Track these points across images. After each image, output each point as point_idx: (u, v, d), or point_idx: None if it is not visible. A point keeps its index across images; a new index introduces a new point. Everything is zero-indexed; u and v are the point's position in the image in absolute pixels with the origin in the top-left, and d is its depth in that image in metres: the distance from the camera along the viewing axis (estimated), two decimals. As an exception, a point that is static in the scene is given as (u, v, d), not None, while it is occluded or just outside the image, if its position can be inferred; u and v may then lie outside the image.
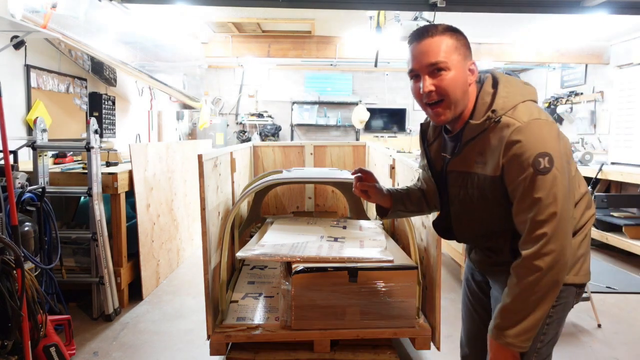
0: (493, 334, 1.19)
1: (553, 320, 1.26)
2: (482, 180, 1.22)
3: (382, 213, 1.59)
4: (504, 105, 1.18)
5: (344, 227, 2.99)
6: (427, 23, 4.26)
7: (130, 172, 3.33)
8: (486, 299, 1.47)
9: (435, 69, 1.18)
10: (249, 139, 8.00)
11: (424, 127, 1.47)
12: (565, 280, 1.19)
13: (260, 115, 8.19)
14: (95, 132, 2.97)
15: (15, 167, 2.62)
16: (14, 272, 2.10)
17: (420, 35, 1.20)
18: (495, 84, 1.23)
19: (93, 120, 2.97)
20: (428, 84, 1.18)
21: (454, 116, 1.22)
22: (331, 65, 6.58)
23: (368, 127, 8.12)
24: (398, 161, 2.89)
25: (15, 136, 3.31)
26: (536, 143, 1.11)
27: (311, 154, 3.94)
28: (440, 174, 1.38)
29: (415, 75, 1.22)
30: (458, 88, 1.19)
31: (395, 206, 1.53)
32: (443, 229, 1.47)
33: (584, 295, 3.21)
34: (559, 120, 6.89)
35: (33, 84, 3.69)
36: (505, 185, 1.17)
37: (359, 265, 2.39)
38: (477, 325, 1.52)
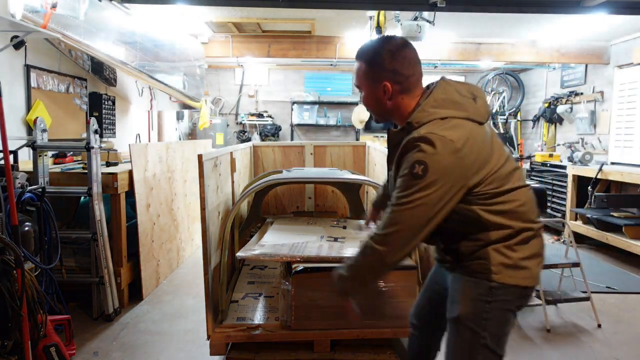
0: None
1: (491, 317, 1.34)
2: (393, 181, 1.36)
3: None
4: (420, 119, 1.32)
5: (344, 227, 2.99)
6: (427, 23, 4.29)
7: (130, 172, 3.33)
8: (444, 284, 1.57)
9: (357, 85, 1.49)
10: (249, 139, 8.00)
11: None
12: (503, 279, 1.32)
13: (260, 115, 8.19)
14: (95, 132, 2.97)
15: (15, 167, 2.62)
16: (14, 272, 2.10)
17: (356, 55, 1.48)
18: (429, 95, 1.37)
19: (93, 120, 2.96)
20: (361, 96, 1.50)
21: (383, 122, 1.51)
22: (331, 65, 6.58)
23: (368, 127, 8.12)
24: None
25: (15, 136, 3.31)
26: (419, 152, 1.24)
27: (311, 154, 3.94)
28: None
29: None
30: (370, 105, 1.47)
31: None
32: None
33: (584, 295, 3.21)
34: (559, 120, 6.89)
35: (33, 84, 3.69)
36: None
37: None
38: (426, 301, 1.74)
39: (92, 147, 2.93)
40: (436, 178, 1.23)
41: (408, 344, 1.87)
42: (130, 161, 3.33)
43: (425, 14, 4.32)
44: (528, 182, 4.01)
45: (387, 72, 1.39)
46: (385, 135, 1.80)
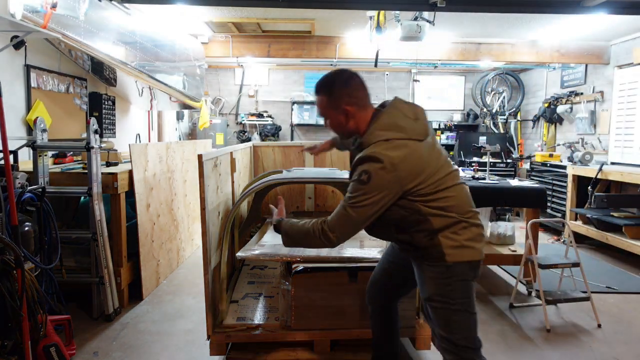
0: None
1: (453, 289, 1.67)
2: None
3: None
4: (369, 141, 1.66)
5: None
6: (427, 23, 4.29)
7: (130, 172, 3.33)
8: (402, 262, 1.93)
9: (320, 114, 1.82)
10: (249, 139, 8.00)
11: None
12: (454, 258, 1.65)
13: (260, 115, 8.19)
14: (95, 132, 2.97)
15: (15, 167, 2.62)
16: (14, 272, 2.10)
17: (314, 90, 1.81)
18: (377, 119, 1.71)
19: (93, 120, 2.96)
20: (325, 124, 1.84)
21: (348, 138, 1.91)
22: (331, 65, 6.57)
23: (368, 127, 8.12)
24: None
25: (15, 136, 3.31)
26: (366, 164, 1.59)
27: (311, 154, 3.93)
28: None
29: None
30: (336, 128, 1.80)
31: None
32: None
33: (584, 295, 3.22)
34: (559, 120, 6.90)
35: (33, 84, 3.69)
36: None
37: (359, 265, 2.39)
38: (384, 272, 2.08)
39: (92, 147, 2.93)
40: (377, 186, 1.57)
41: (371, 325, 2.21)
42: (130, 161, 3.33)
43: (425, 14, 4.32)
44: (528, 182, 4.03)
45: (345, 97, 1.73)
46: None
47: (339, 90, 1.74)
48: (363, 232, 2.88)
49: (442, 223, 1.65)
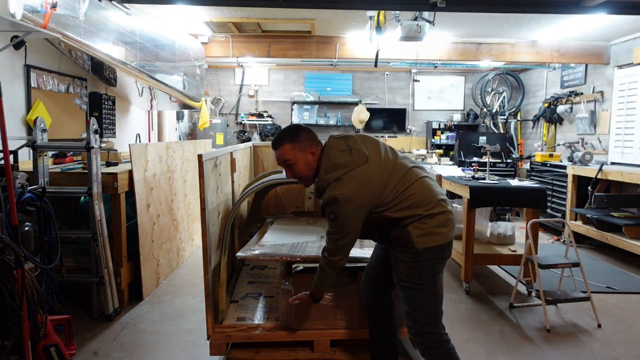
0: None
1: (421, 272, 1.87)
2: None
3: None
4: (322, 186, 1.89)
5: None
6: (427, 23, 4.29)
7: (130, 172, 3.33)
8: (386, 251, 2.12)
9: (287, 164, 1.95)
10: (249, 139, 8.00)
11: None
12: (423, 245, 1.85)
13: (260, 115, 8.19)
14: (95, 132, 2.97)
15: (15, 167, 2.62)
16: (14, 272, 2.10)
17: (274, 146, 1.96)
18: (320, 163, 1.94)
19: (93, 120, 2.96)
20: (288, 174, 1.99)
21: (310, 183, 2.01)
22: (331, 65, 6.57)
23: (368, 127, 8.12)
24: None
25: (15, 136, 3.31)
26: (329, 207, 1.84)
27: (311, 154, 3.93)
28: None
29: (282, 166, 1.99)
30: (305, 171, 1.95)
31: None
32: None
33: (584, 295, 3.22)
34: (559, 120, 6.90)
35: (33, 84, 3.69)
36: None
37: (358, 265, 2.39)
38: (373, 265, 2.23)
39: (92, 147, 2.93)
40: (346, 218, 1.83)
41: (368, 323, 2.31)
42: (130, 161, 3.33)
43: (425, 14, 4.31)
44: (528, 182, 4.02)
45: (307, 140, 1.94)
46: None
47: (300, 135, 1.95)
48: (363, 232, 2.88)
49: (410, 218, 1.86)
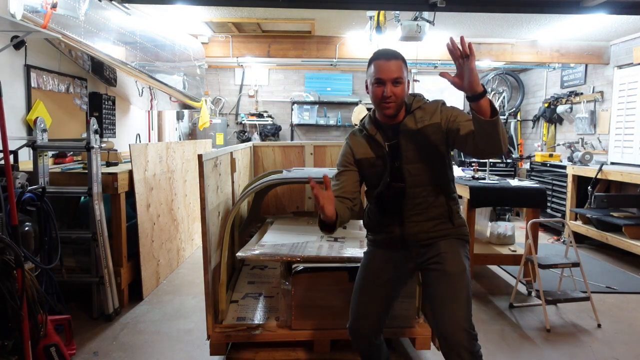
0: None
1: (468, 254, 1.88)
2: (433, 126, 1.81)
3: (329, 228, 1.78)
4: (420, 99, 1.90)
5: (344, 227, 2.99)
6: (427, 23, 4.29)
7: (130, 172, 3.33)
8: (394, 274, 1.91)
9: (396, 81, 1.77)
10: (249, 139, 8.00)
11: (352, 142, 2.00)
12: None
13: (260, 115, 8.18)
14: (95, 132, 2.97)
15: (15, 167, 2.62)
16: (14, 272, 2.10)
17: (387, 56, 1.79)
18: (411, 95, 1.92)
19: (93, 120, 2.96)
20: (389, 90, 1.77)
21: (399, 109, 1.82)
22: (331, 65, 6.57)
23: (368, 127, 8.11)
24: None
25: (15, 136, 3.31)
26: (442, 105, 1.87)
27: (311, 154, 3.94)
28: (384, 159, 1.86)
29: (380, 82, 1.77)
30: (404, 93, 1.82)
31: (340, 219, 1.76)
32: (385, 211, 1.93)
33: (584, 295, 3.21)
34: (559, 120, 6.90)
35: (33, 84, 3.69)
36: (444, 127, 1.80)
37: (358, 265, 2.39)
38: (375, 300, 1.88)
39: (92, 147, 2.93)
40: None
41: (365, 355, 1.97)
42: (130, 161, 3.33)
43: (425, 14, 4.32)
44: (528, 182, 4.02)
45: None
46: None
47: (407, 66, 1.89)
48: (363, 233, 2.89)
49: (455, 194, 1.92)
